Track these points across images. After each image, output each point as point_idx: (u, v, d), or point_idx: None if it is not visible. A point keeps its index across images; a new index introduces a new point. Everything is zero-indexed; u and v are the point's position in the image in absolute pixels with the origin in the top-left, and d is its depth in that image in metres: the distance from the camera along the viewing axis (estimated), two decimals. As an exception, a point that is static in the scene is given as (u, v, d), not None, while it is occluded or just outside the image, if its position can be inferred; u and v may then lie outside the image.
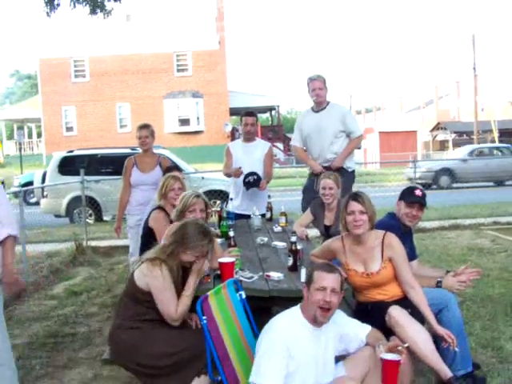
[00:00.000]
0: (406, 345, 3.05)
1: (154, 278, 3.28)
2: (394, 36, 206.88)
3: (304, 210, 6.10)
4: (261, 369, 2.82)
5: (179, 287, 3.37)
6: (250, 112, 6.43)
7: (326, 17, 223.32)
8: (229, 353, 3.07)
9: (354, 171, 6.32)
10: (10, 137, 43.68)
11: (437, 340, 3.69)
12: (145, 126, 6.12)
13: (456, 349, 3.42)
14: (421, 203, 4.17)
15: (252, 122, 6.29)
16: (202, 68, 33.10)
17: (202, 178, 12.79)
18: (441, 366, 3.35)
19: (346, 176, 5.85)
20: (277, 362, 2.83)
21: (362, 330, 3.19)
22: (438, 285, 3.98)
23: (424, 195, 4.21)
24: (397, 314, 3.41)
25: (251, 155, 6.28)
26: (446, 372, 3.33)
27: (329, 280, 2.97)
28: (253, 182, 6.03)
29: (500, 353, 4.42)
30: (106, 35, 31.21)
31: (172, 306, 3.27)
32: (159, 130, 31.91)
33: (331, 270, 3.04)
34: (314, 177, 6.11)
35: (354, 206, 3.67)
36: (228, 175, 6.41)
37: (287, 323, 2.99)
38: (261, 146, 6.44)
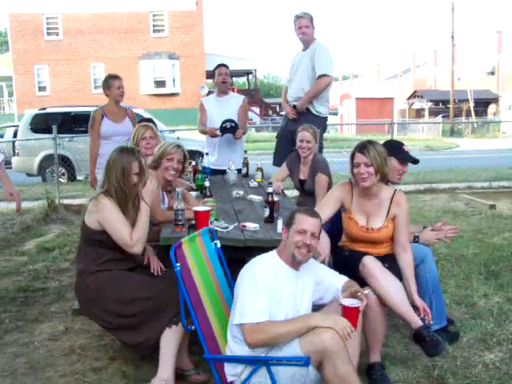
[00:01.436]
0: (366, 291, 3.01)
1: (100, 211, 3.29)
2: (373, 3, 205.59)
3: (275, 160, 6.07)
4: (245, 309, 2.76)
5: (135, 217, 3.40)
6: (223, 63, 6.35)
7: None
8: (203, 301, 2.99)
9: (325, 118, 6.22)
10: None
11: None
12: (119, 77, 5.99)
13: (431, 322, 3.38)
14: (414, 160, 4.07)
15: (226, 71, 6.19)
16: (179, 29, 32.48)
17: (177, 137, 12.60)
18: (411, 316, 3.29)
19: (315, 122, 5.63)
20: (261, 300, 2.78)
21: (338, 280, 3.14)
22: (416, 240, 3.95)
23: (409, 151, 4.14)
24: (370, 264, 3.37)
25: (225, 109, 6.16)
26: (417, 322, 3.28)
27: (309, 223, 2.93)
28: (230, 128, 5.94)
29: (473, 309, 4.47)
30: (80, -8, 30.40)
31: (124, 232, 3.27)
32: (134, 91, 31.51)
33: (313, 214, 2.99)
34: (286, 120, 6.20)
35: (359, 157, 3.54)
36: (203, 132, 6.30)
37: (265, 264, 2.93)
38: (235, 99, 6.34)
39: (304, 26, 5.91)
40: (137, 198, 3.47)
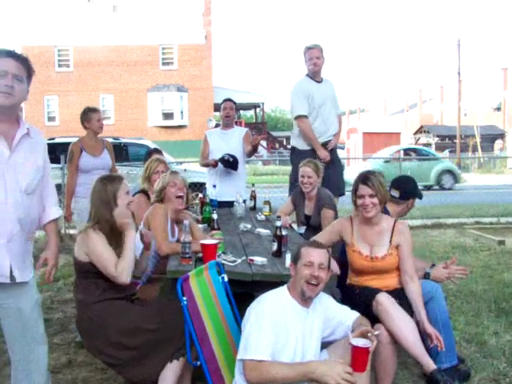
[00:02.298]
0: (377, 332, 2.94)
1: (88, 243, 3.23)
2: (380, 39, 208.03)
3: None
4: (248, 344, 2.71)
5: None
6: (229, 98, 6.43)
7: (313, 17, 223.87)
8: (209, 336, 2.94)
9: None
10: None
11: (424, 337, 3.61)
12: (98, 110, 5.89)
13: (443, 349, 3.33)
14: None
15: (231, 105, 6.28)
16: (188, 62, 32.83)
17: (185, 170, 12.62)
18: (425, 357, 3.24)
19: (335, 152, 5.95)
20: (265, 338, 2.71)
21: (349, 316, 3.08)
22: (426, 276, 3.91)
23: None
24: (385, 301, 3.31)
25: (228, 142, 6.20)
26: (430, 364, 3.23)
27: (316, 255, 2.89)
28: (230, 162, 5.97)
29: (484, 347, 4.36)
30: (91, 25, 30.85)
31: (110, 262, 3.19)
32: (143, 123, 31.80)
33: (318, 246, 2.98)
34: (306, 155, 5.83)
35: (363, 189, 3.55)
36: (204, 165, 6.37)
37: (275, 300, 2.87)
38: (238, 132, 6.37)
39: (315, 57, 5.90)
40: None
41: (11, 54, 2.75)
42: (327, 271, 2.94)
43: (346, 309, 3.14)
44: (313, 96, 5.91)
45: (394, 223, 3.64)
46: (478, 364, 4.03)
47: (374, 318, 3.29)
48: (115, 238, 3.30)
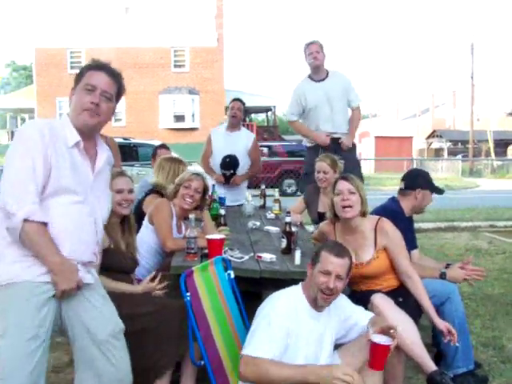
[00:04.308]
0: (400, 328, 2.78)
1: None
2: (392, 43, 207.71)
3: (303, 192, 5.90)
4: (251, 341, 2.56)
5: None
6: (238, 98, 6.21)
7: (325, 20, 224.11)
8: (213, 334, 2.80)
9: (355, 144, 6.00)
10: (3, 126, 43.23)
11: (438, 335, 3.46)
12: None
13: (457, 344, 3.17)
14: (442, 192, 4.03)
15: (239, 106, 6.05)
16: (200, 65, 32.79)
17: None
18: (424, 358, 3.08)
19: (351, 149, 5.73)
20: (272, 336, 2.55)
21: (364, 317, 2.92)
22: (442, 276, 3.74)
23: None
24: (379, 302, 3.16)
25: (233, 146, 5.97)
26: (430, 365, 3.07)
27: (336, 265, 2.68)
28: (229, 176, 5.89)
29: (501, 352, 4.19)
30: (103, 27, 30.92)
31: None
32: (154, 125, 31.78)
33: (340, 254, 2.72)
34: (314, 153, 5.65)
35: (343, 184, 3.40)
36: (207, 173, 6.01)
37: (288, 302, 2.71)
38: (244, 138, 6.13)
39: (315, 52, 5.67)
40: (127, 219, 3.37)
41: (104, 68, 2.56)
42: (345, 281, 2.76)
43: (361, 309, 2.99)
44: (305, 97, 5.77)
45: (377, 222, 3.44)
46: (495, 369, 3.87)
47: None
48: (113, 228, 3.20)
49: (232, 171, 5.83)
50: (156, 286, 3.31)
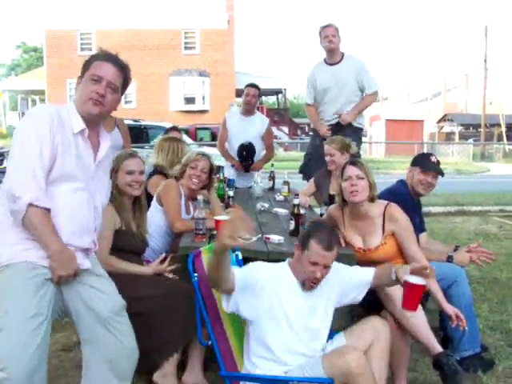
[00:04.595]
0: (433, 267, 2.76)
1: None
2: (404, 26, 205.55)
3: (304, 176, 5.90)
4: None
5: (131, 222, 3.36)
6: (254, 84, 6.23)
7: (338, 3, 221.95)
8: (221, 315, 2.83)
9: (362, 129, 6.01)
10: (14, 108, 43.34)
11: (445, 318, 3.46)
12: None
13: (466, 328, 3.17)
14: (437, 170, 3.91)
15: (254, 93, 6.10)
16: (210, 47, 32.64)
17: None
18: (430, 340, 3.09)
19: (353, 132, 5.59)
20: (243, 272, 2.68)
21: (367, 273, 2.95)
22: (449, 260, 3.74)
23: (439, 162, 3.96)
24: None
25: (247, 131, 6.09)
26: (436, 347, 3.07)
27: (324, 257, 2.70)
28: (247, 166, 6.02)
29: (508, 336, 4.20)
30: (113, 9, 30.82)
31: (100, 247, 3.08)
32: (164, 107, 31.76)
33: (329, 248, 2.71)
34: (316, 136, 5.91)
35: (352, 170, 3.38)
36: (224, 156, 6.28)
37: (275, 269, 2.81)
38: (258, 122, 6.23)
39: (331, 35, 5.66)
40: (138, 200, 3.42)
41: (112, 59, 2.58)
42: (329, 268, 2.78)
43: (358, 268, 3.03)
44: (317, 80, 5.85)
45: (385, 208, 3.43)
46: (502, 352, 3.88)
47: (380, 305, 3.18)
48: (123, 209, 3.23)
49: (250, 161, 5.89)
50: (166, 267, 3.34)
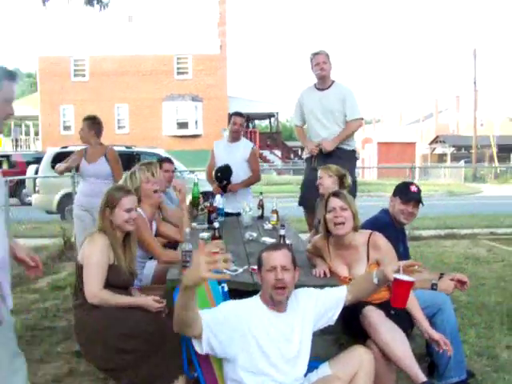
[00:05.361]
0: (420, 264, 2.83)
1: (86, 248, 3.29)
2: (395, 49, 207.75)
3: (301, 204, 5.96)
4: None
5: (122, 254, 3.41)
6: (239, 113, 6.47)
7: (328, 26, 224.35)
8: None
9: (354, 151, 6.09)
10: (7, 134, 43.35)
11: (431, 345, 3.50)
12: (91, 118, 6.31)
13: (451, 353, 3.21)
14: (417, 200, 3.98)
15: (240, 122, 6.37)
16: (203, 72, 32.91)
17: (197, 179, 12.57)
18: (413, 369, 3.07)
19: (344, 156, 5.73)
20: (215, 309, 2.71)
21: (339, 290, 3.00)
22: (433, 287, 3.78)
23: (419, 191, 4.03)
24: (371, 315, 3.21)
25: (233, 155, 6.29)
26: (420, 377, 3.06)
27: (276, 257, 2.78)
28: (224, 186, 6.13)
29: (495, 362, 4.23)
30: (107, 35, 31.04)
31: (95, 279, 3.22)
32: (157, 132, 31.87)
33: (277, 248, 2.86)
34: (308, 165, 6.01)
35: (335, 201, 3.48)
36: (211, 185, 6.42)
37: (244, 302, 2.86)
38: (243, 146, 6.44)
39: (322, 62, 5.81)
40: (128, 235, 3.49)
41: None
42: (293, 272, 2.83)
43: (330, 289, 3.05)
44: (303, 103, 6.12)
45: (369, 237, 3.51)
46: (488, 379, 3.91)
47: (365, 333, 3.21)
48: (118, 246, 3.30)
49: (225, 182, 6.01)
50: (153, 299, 3.39)
